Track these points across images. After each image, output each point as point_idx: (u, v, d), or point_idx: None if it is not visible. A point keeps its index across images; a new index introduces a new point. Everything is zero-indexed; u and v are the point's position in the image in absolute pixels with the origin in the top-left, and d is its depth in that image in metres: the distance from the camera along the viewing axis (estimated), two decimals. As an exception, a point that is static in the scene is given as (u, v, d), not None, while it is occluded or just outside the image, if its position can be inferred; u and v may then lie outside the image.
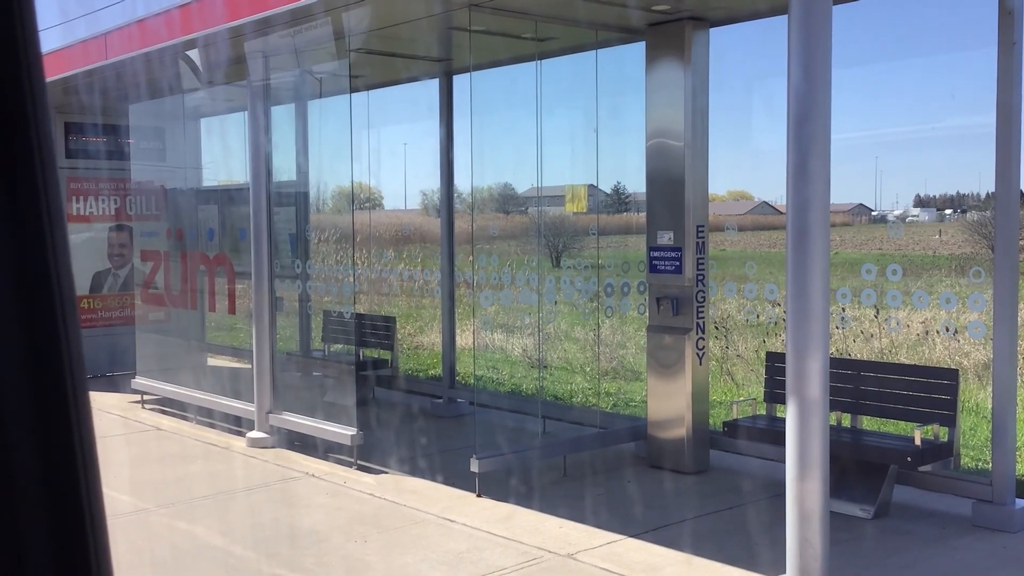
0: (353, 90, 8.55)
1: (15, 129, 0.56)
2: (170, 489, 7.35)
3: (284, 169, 9.65)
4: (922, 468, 6.37)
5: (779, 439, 5.39)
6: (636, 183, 8.37)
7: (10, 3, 0.57)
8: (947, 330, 8.96)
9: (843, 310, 8.34)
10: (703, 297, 7.45)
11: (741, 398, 8.63)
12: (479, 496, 6.85)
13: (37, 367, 0.56)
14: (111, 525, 0.65)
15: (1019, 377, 8.07)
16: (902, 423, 7.10)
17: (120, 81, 10.13)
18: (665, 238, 7.49)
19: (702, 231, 7.46)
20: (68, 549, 0.57)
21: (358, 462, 7.78)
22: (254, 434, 8.61)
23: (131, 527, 6.34)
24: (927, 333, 11.67)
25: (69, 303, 0.57)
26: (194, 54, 8.82)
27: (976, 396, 9.90)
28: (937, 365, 10.00)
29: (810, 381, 4.47)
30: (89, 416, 0.59)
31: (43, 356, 0.57)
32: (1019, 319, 6.18)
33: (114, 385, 11.10)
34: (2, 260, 0.55)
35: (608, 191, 10.75)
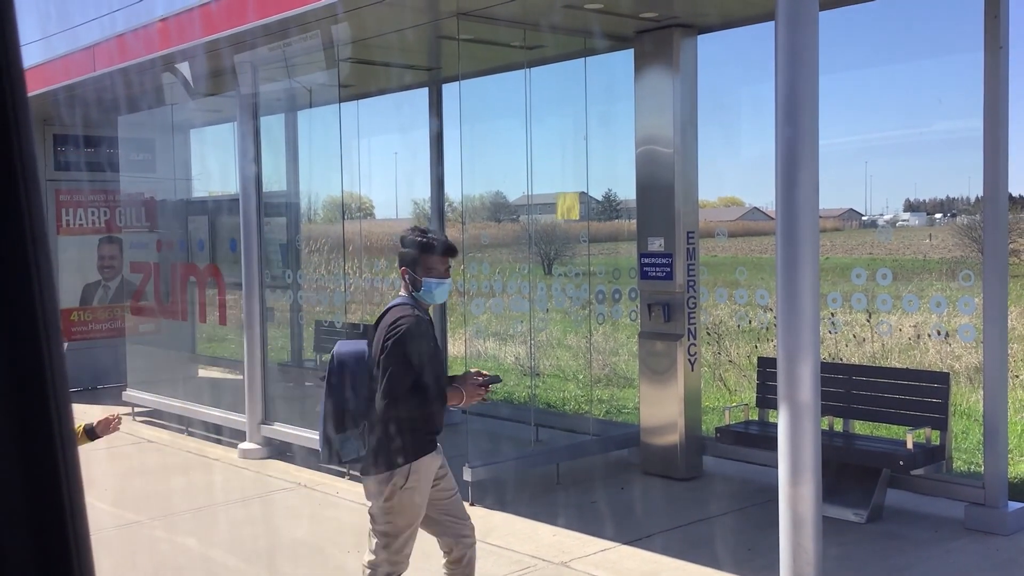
0: (342, 100, 8.55)
1: None
2: (161, 501, 7.32)
3: (274, 179, 9.64)
4: (914, 472, 6.38)
5: (771, 444, 5.39)
6: (626, 190, 8.39)
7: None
8: (938, 333, 9.00)
9: (833, 315, 8.36)
10: (694, 303, 7.46)
11: (733, 404, 8.63)
12: (472, 505, 6.83)
13: (19, 381, 0.56)
14: (101, 538, 0.65)
15: (1010, 380, 8.09)
16: (894, 427, 7.12)
17: (108, 93, 10.11)
18: (656, 244, 7.50)
19: (692, 237, 7.48)
20: (51, 563, 0.57)
21: (350, 472, 7.76)
22: (246, 445, 8.59)
23: (121, 540, 6.30)
24: (918, 337, 11.71)
25: (52, 318, 0.57)
26: (183, 66, 8.82)
27: (968, 399, 9.93)
28: (928, 368, 10.03)
29: (801, 386, 4.48)
30: (71, 430, 0.59)
31: (26, 370, 0.56)
32: (1009, 322, 6.21)
33: (104, 397, 11.05)
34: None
35: (599, 198, 10.78)
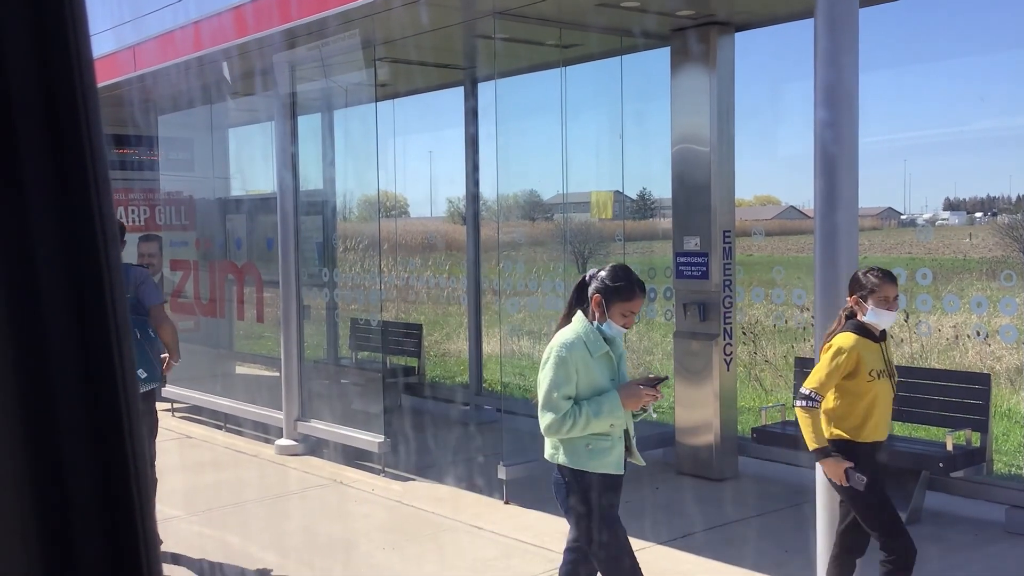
0: (379, 99, 8.59)
1: (67, 136, 0.57)
2: (200, 496, 7.40)
3: (311, 178, 9.72)
4: (954, 474, 6.30)
5: (809, 445, 5.35)
6: (662, 189, 8.36)
7: (63, 10, 0.58)
8: (978, 334, 8.87)
9: (872, 315, 8.25)
10: (730, 302, 7.42)
11: (769, 404, 8.57)
12: (507, 503, 6.85)
13: (92, 379, 0.57)
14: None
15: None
16: (933, 428, 7.03)
17: (149, 92, 10.24)
18: (691, 243, 7.46)
19: (728, 236, 7.43)
20: (121, 562, 0.58)
21: (386, 469, 7.80)
22: (283, 442, 8.66)
23: (161, 534, 6.39)
24: (957, 337, 11.55)
25: (122, 317, 0.59)
26: (223, 66, 8.91)
27: (1008, 401, 9.78)
28: (968, 370, 9.89)
29: (840, 386, 4.43)
30: (140, 428, 0.60)
31: (98, 368, 0.58)
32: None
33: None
34: (57, 268, 0.56)
35: (634, 197, 10.74)
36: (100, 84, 10.29)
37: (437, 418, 10.03)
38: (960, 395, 6.56)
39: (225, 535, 6.48)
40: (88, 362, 0.56)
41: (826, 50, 4.47)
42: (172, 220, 11.50)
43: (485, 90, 9.78)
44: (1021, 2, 5.99)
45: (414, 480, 7.64)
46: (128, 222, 12.33)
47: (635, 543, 5.99)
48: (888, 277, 4.31)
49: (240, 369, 11.69)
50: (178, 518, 6.82)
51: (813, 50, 4.54)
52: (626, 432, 3.99)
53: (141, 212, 12.39)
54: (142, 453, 0.60)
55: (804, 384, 4.31)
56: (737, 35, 7.44)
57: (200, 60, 8.85)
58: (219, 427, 9.77)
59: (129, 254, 12.27)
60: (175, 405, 10.48)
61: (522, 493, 6.94)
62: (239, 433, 9.46)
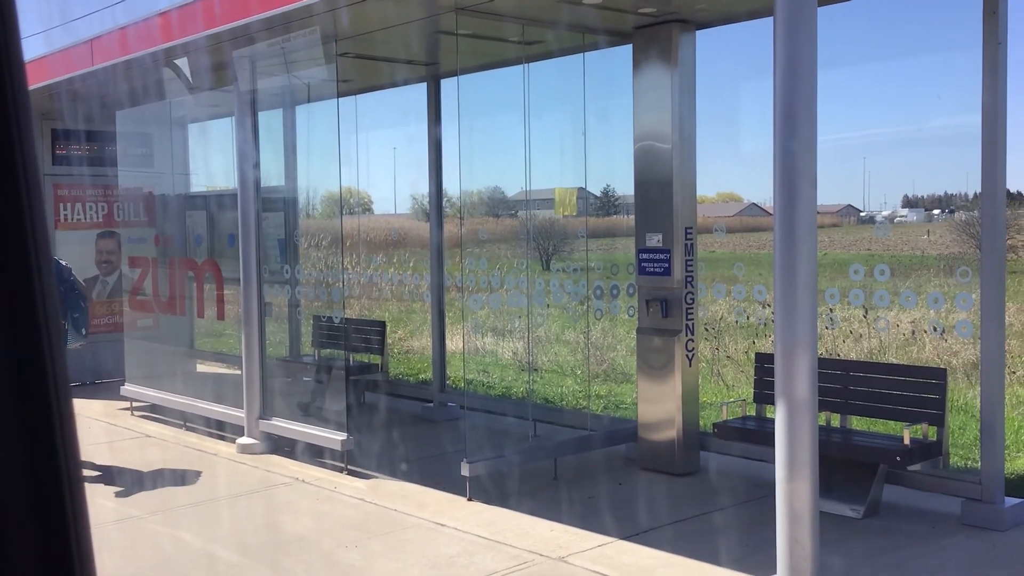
0: (341, 94, 8.54)
1: None
2: (160, 496, 7.32)
3: (272, 174, 9.64)
4: (911, 467, 6.39)
5: (769, 440, 5.40)
6: (625, 186, 8.39)
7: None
8: (935, 330, 9.00)
9: (831, 310, 8.36)
10: (692, 299, 7.46)
11: (731, 399, 8.64)
12: (470, 500, 6.85)
13: (21, 379, 0.56)
14: (100, 533, 0.65)
15: (1007, 375, 8.11)
16: (891, 423, 7.13)
17: (106, 87, 10.09)
18: (654, 240, 7.50)
19: (690, 233, 7.48)
20: (53, 563, 0.57)
21: (348, 467, 7.76)
22: (244, 440, 8.59)
23: (119, 534, 6.31)
24: (915, 333, 11.72)
25: (53, 316, 0.57)
26: (181, 61, 8.81)
27: (965, 395, 9.95)
28: (925, 364, 10.04)
29: (798, 381, 4.48)
30: (73, 429, 0.59)
31: (27, 368, 0.57)
32: (1006, 318, 6.21)
33: (103, 392, 11.06)
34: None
35: (597, 194, 10.78)
36: (56, 79, 10.14)
37: (400, 415, 9.99)
38: (917, 390, 6.66)
39: (185, 535, 6.41)
40: (17, 359, 0.55)
41: (784, 48, 4.49)
42: (130, 216, 11.35)
43: (448, 86, 9.75)
44: (975, 2, 6.09)
45: (377, 478, 7.61)
46: (85, 219, 12.16)
47: (597, 538, 6.04)
48: None
49: (200, 367, 11.57)
50: (138, 518, 6.74)
51: (772, 48, 4.57)
52: None
53: (99, 208, 12.22)
54: (74, 452, 0.58)
55: None
56: (698, 33, 7.48)
57: (158, 55, 8.74)
58: (179, 426, 9.67)
59: (87, 251, 12.11)
60: (134, 404, 10.35)
61: (485, 490, 6.94)
62: (200, 432, 9.36)
